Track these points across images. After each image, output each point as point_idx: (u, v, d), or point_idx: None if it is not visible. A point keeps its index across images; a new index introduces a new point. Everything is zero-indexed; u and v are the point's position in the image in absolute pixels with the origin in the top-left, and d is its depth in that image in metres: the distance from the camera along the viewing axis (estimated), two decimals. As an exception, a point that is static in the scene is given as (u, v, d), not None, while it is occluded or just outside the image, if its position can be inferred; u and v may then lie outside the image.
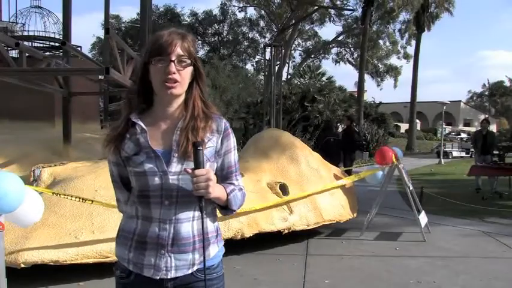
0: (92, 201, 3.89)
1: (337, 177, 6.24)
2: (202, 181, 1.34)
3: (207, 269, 1.47)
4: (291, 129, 19.46)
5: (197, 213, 1.45)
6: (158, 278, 1.42)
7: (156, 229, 1.41)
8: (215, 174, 1.51)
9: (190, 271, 1.44)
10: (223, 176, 1.55)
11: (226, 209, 1.50)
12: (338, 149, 9.35)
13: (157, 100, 1.48)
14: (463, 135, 38.44)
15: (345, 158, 11.62)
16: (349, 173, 8.18)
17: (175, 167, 1.41)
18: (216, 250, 1.51)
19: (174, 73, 1.40)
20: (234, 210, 1.52)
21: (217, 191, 1.41)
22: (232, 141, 1.54)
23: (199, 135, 1.43)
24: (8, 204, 2.77)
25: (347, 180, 6.15)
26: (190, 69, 1.45)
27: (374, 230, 6.25)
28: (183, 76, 1.43)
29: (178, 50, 1.41)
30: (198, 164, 1.36)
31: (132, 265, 1.46)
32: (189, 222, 1.43)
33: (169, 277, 1.43)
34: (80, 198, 3.82)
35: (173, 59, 1.40)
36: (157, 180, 1.40)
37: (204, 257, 1.42)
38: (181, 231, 1.42)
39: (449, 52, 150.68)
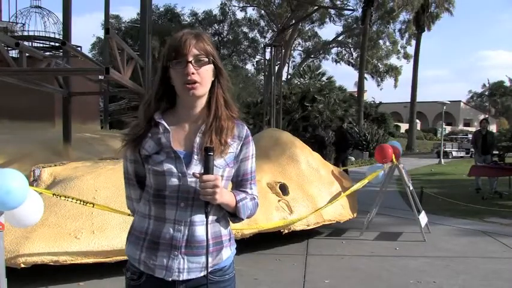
0: (94, 204, 3.87)
1: (336, 178, 6.23)
2: (209, 187, 1.34)
3: (219, 270, 1.48)
4: (291, 130, 19.46)
5: (211, 217, 1.44)
6: (170, 279, 1.41)
7: (170, 230, 1.40)
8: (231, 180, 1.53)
9: (202, 273, 1.43)
10: (238, 182, 1.54)
11: (235, 216, 1.50)
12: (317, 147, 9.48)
13: (180, 102, 1.47)
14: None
15: (338, 157, 11.87)
16: (345, 172, 8.18)
17: (195, 169, 1.40)
18: (228, 253, 1.51)
19: (193, 73, 1.39)
20: (242, 219, 1.51)
21: (225, 197, 1.41)
22: (251, 149, 1.53)
23: (222, 137, 1.43)
24: (12, 200, 2.78)
25: (357, 186, 6.06)
26: (209, 67, 1.44)
27: (374, 230, 6.25)
28: (202, 76, 1.41)
29: (194, 50, 1.40)
30: (207, 170, 1.35)
31: (143, 265, 1.44)
32: (203, 226, 1.41)
33: (181, 279, 1.42)
34: (81, 201, 3.81)
35: (190, 59, 1.39)
36: (175, 181, 1.39)
37: (207, 263, 1.41)
38: (196, 233, 1.41)
39: (449, 52, 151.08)
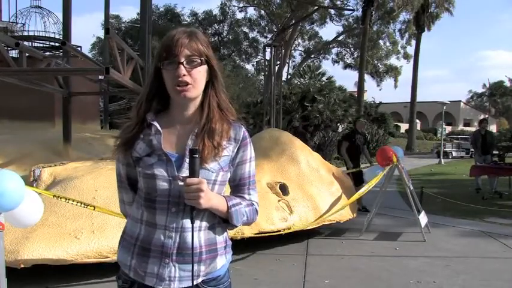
0: (94, 207, 3.86)
1: (336, 178, 6.23)
2: (192, 191, 1.28)
3: (213, 280, 1.42)
4: (291, 129, 19.47)
5: (204, 223, 1.39)
6: None
7: (161, 236, 1.35)
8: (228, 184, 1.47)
9: (195, 282, 1.37)
10: (235, 187, 1.48)
11: (228, 222, 1.42)
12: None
13: (173, 103, 1.42)
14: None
15: None
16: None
17: (186, 173, 1.33)
18: (223, 262, 1.44)
19: (185, 75, 1.33)
20: (236, 226, 1.43)
21: (213, 202, 1.34)
22: (249, 152, 1.46)
23: (215, 139, 1.37)
24: (7, 202, 2.76)
25: (362, 191, 5.99)
26: (203, 68, 1.38)
27: (374, 230, 6.25)
28: (195, 77, 1.35)
29: (186, 51, 1.34)
30: (192, 173, 1.29)
31: (133, 272, 1.39)
32: (196, 232, 1.36)
33: None
34: (81, 203, 3.80)
35: (181, 60, 1.33)
36: (165, 185, 1.34)
37: (193, 272, 1.35)
38: (188, 240, 1.34)
39: (449, 52, 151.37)
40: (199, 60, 1.36)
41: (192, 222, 1.33)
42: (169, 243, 1.35)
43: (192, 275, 1.35)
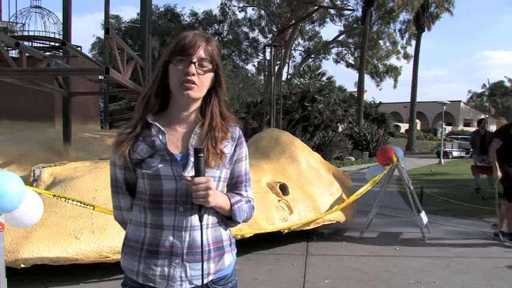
0: (94, 207, 3.85)
1: (336, 178, 6.22)
2: (201, 189, 1.30)
3: (222, 279, 1.44)
4: (291, 129, 19.49)
5: (211, 221, 1.41)
6: None
7: (170, 237, 1.35)
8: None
9: (205, 281, 1.38)
10: (232, 185, 1.51)
11: (230, 219, 1.45)
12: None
13: (174, 102, 1.43)
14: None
15: None
16: None
17: (191, 172, 1.35)
18: (230, 259, 1.46)
19: (194, 75, 1.35)
20: (238, 222, 1.46)
21: (218, 200, 1.37)
22: (244, 150, 1.50)
23: (218, 147, 1.39)
24: (7, 203, 2.76)
25: (362, 191, 5.99)
26: (210, 75, 1.41)
27: (374, 230, 6.25)
28: (201, 80, 1.38)
29: (201, 53, 1.37)
30: (199, 172, 1.31)
31: (142, 277, 1.38)
32: (205, 230, 1.38)
33: None
34: (81, 203, 3.80)
35: (194, 60, 1.35)
36: (172, 184, 1.35)
37: (202, 270, 1.37)
38: (198, 238, 1.36)
39: (449, 52, 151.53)
40: (210, 66, 1.40)
41: (201, 221, 1.35)
42: (179, 243, 1.36)
43: (202, 274, 1.36)
